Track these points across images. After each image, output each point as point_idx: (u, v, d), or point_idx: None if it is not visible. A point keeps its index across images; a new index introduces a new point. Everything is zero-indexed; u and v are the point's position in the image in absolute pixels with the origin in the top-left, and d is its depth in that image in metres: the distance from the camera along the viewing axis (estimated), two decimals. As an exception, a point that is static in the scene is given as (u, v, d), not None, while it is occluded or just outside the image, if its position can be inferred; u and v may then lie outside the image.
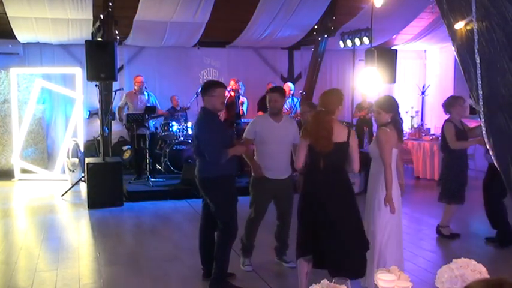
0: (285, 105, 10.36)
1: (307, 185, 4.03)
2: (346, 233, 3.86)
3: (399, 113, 4.32)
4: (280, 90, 5.00)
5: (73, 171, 9.86)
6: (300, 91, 10.92)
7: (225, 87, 4.57)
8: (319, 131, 3.88)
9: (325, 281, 1.86)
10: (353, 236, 3.90)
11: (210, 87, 4.44)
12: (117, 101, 9.49)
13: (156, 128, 10.06)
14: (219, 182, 4.36)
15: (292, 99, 10.29)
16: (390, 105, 4.20)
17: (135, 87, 9.43)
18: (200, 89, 4.60)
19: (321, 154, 3.88)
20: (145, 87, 9.55)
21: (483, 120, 2.22)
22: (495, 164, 2.29)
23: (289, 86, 10.54)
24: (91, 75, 7.72)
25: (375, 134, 4.50)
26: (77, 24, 9.76)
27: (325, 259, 3.90)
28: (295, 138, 4.94)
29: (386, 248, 4.11)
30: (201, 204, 4.72)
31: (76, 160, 9.98)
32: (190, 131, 9.99)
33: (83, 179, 8.80)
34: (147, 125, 8.92)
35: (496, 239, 5.83)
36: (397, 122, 4.20)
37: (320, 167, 3.90)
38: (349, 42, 10.86)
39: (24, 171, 10.03)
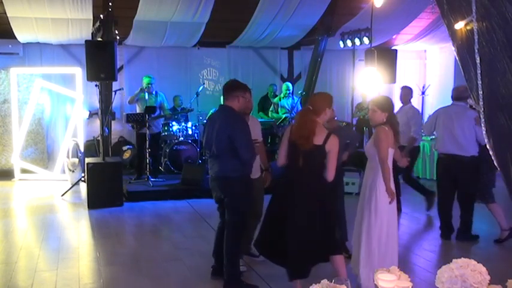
0: (286, 105, 10.36)
1: (281, 180, 4.09)
2: (302, 235, 3.92)
3: (395, 115, 4.32)
4: (250, 91, 4.96)
5: (73, 171, 9.86)
6: (300, 91, 10.93)
7: None
8: (301, 128, 3.95)
9: (325, 281, 1.86)
10: (308, 239, 3.92)
11: (245, 89, 4.49)
12: (117, 101, 9.48)
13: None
14: (243, 181, 4.38)
15: (293, 99, 10.26)
16: (387, 105, 4.19)
17: (143, 86, 9.39)
18: (228, 87, 4.49)
19: (300, 153, 3.92)
20: (150, 87, 9.39)
21: (483, 120, 2.21)
22: (495, 163, 2.29)
23: (287, 86, 10.54)
24: (91, 75, 7.72)
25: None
26: (77, 24, 9.76)
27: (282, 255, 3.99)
28: (259, 137, 5.08)
29: (387, 248, 4.10)
30: (218, 211, 4.68)
31: (76, 160, 9.98)
32: (190, 131, 9.99)
33: (83, 179, 8.80)
34: (154, 123, 8.91)
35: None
36: (393, 123, 4.18)
37: (298, 166, 3.95)
38: (349, 42, 10.86)
39: (24, 171, 10.03)
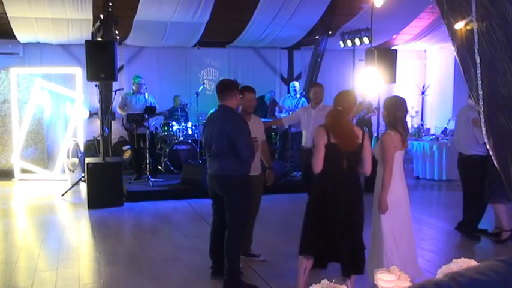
0: (289, 105, 10.28)
1: (323, 184, 3.97)
2: (358, 233, 3.96)
3: (406, 114, 4.28)
4: (254, 90, 5.03)
5: (73, 171, 9.87)
6: (300, 91, 10.90)
7: None
8: (344, 130, 3.89)
9: (325, 281, 1.86)
10: (360, 236, 4.00)
11: (238, 87, 4.55)
12: (118, 101, 9.48)
13: (156, 128, 10.05)
14: (243, 181, 4.37)
15: (298, 99, 10.13)
16: (387, 103, 4.21)
17: (133, 88, 9.40)
18: (224, 86, 4.46)
19: (344, 154, 3.88)
20: (146, 88, 9.47)
21: (483, 120, 2.21)
22: (495, 163, 2.29)
23: (293, 85, 10.40)
24: (91, 75, 7.72)
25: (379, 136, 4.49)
26: (77, 24, 9.76)
27: (337, 257, 3.96)
28: (263, 136, 5.10)
29: (394, 251, 4.08)
30: (212, 207, 4.68)
31: (76, 160, 9.99)
32: (190, 131, 9.98)
33: (83, 179, 8.80)
34: (146, 124, 8.90)
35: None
36: (399, 124, 4.15)
37: (342, 167, 3.89)
38: (349, 42, 10.85)
39: (24, 171, 10.03)
